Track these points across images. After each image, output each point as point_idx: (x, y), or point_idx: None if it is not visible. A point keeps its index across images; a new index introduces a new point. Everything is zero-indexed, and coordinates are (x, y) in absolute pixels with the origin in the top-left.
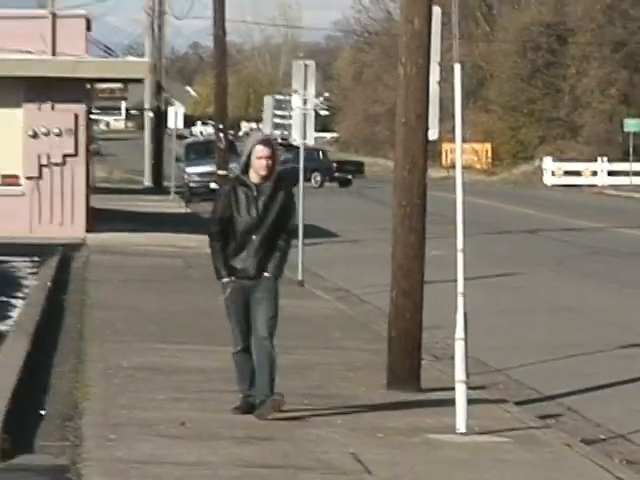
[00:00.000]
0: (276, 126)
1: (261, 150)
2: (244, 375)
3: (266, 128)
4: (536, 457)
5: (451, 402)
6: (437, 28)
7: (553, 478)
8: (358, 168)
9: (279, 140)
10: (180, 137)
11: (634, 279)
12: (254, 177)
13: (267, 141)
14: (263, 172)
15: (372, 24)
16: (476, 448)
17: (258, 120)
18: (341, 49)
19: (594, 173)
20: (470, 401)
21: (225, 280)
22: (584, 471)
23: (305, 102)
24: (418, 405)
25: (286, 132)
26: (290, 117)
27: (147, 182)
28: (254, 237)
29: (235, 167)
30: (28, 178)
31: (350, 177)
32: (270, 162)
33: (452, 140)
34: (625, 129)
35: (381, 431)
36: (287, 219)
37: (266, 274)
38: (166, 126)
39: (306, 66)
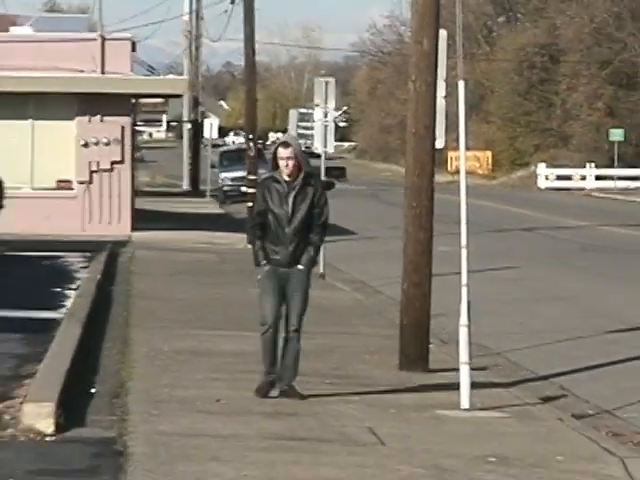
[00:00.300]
0: (300, 136)
1: (281, 152)
2: (269, 355)
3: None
4: (532, 430)
5: (456, 382)
6: (443, 49)
7: (547, 449)
8: (341, 173)
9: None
10: (214, 146)
11: (620, 272)
12: (286, 174)
13: (286, 143)
14: (286, 171)
15: (385, 45)
16: (478, 422)
17: (284, 131)
18: (358, 68)
19: (583, 178)
20: (473, 381)
21: (263, 263)
22: (574, 442)
23: (326, 115)
24: (427, 384)
25: (309, 141)
26: (312, 128)
27: (185, 186)
28: (287, 229)
29: (263, 172)
30: (80, 182)
31: (334, 181)
32: (290, 162)
33: (456, 148)
34: (610, 138)
35: (394, 407)
36: (319, 214)
37: (299, 266)
38: (202, 136)
39: (327, 83)
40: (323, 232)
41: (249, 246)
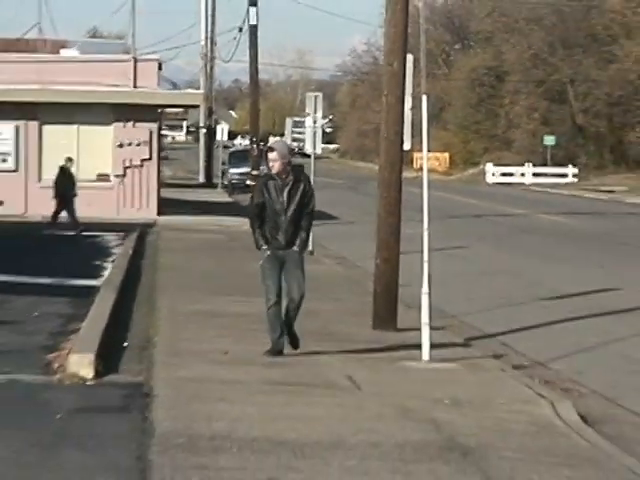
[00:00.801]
0: (294, 140)
1: (269, 155)
2: (275, 326)
3: (287, 139)
4: (479, 378)
5: (419, 339)
6: (410, 69)
7: (491, 393)
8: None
9: (296, 150)
10: (225, 147)
11: (551, 251)
12: (277, 172)
13: (271, 148)
14: (274, 170)
15: (363, 66)
16: (436, 372)
17: (282, 135)
18: (341, 84)
19: (522, 174)
20: (432, 338)
21: (263, 247)
22: (513, 388)
23: (315, 122)
24: (395, 341)
25: (302, 144)
26: (304, 133)
27: (201, 179)
28: (283, 218)
29: (264, 168)
30: (116, 176)
31: None
32: (276, 163)
33: (420, 150)
34: (544, 143)
35: (368, 359)
36: (308, 204)
37: (294, 248)
38: (215, 139)
39: (316, 97)
40: (311, 218)
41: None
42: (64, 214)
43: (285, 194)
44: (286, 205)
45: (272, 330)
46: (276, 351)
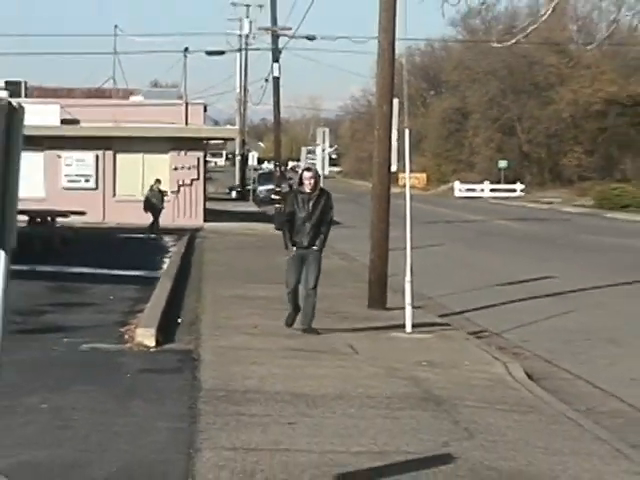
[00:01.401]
0: (309, 163)
1: (305, 174)
2: (292, 303)
3: (301, 164)
4: (449, 346)
5: (403, 316)
6: (395, 110)
7: (459, 357)
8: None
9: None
10: (255, 169)
11: (504, 248)
12: (307, 189)
13: (309, 169)
14: (308, 187)
15: (360, 108)
16: (416, 341)
17: (297, 160)
18: (344, 121)
19: (482, 190)
20: (413, 315)
21: (290, 248)
22: (475, 353)
23: (323, 150)
24: (385, 317)
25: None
26: (315, 159)
27: (233, 195)
28: (307, 224)
29: (284, 186)
30: (172, 192)
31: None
32: (311, 180)
33: (404, 171)
34: (499, 166)
35: (365, 330)
36: (327, 213)
37: (314, 247)
38: (247, 163)
39: (324, 131)
40: (329, 226)
41: (276, 232)
42: (156, 221)
43: (310, 205)
44: (310, 214)
45: (290, 304)
46: (288, 323)
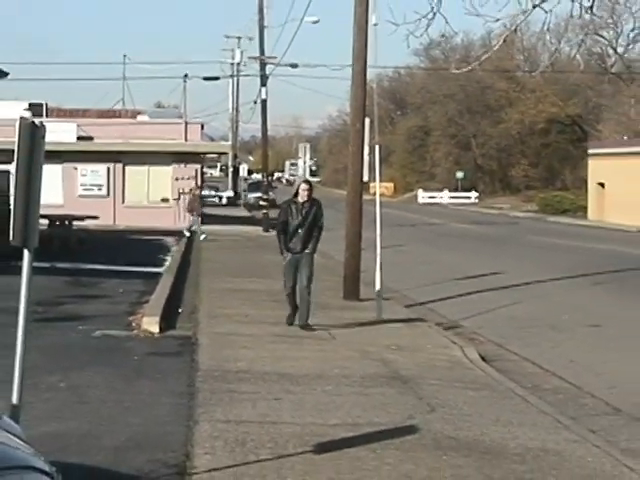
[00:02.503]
0: (291, 175)
1: (303, 186)
2: (291, 303)
3: (286, 175)
4: (414, 332)
5: (374, 305)
6: (367, 128)
7: (422, 342)
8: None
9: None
10: (245, 180)
11: (460, 247)
12: (300, 199)
13: (307, 181)
14: (305, 197)
15: (337, 126)
16: (386, 327)
17: (282, 171)
18: (323, 137)
19: (441, 197)
20: (382, 305)
21: (285, 254)
22: (437, 339)
23: (305, 163)
24: (358, 307)
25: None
26: (297, 170)
27: (224, 201)
28: (300, 231)
29: (271, 194)
30: (174, 199)
31: None
32: (307, 192)
33: (374, 181)
34: (456, 177)
35: (341, 319)
36: (318, 221)
37: (307, 251)
38: (238, 174)
39: (305, 146)
40: (320, 231)
41: (264, 233)
42: (198, 223)
43: (303, 214)
44: (303, 222)
45: (289, 305)
46: (289, 322)
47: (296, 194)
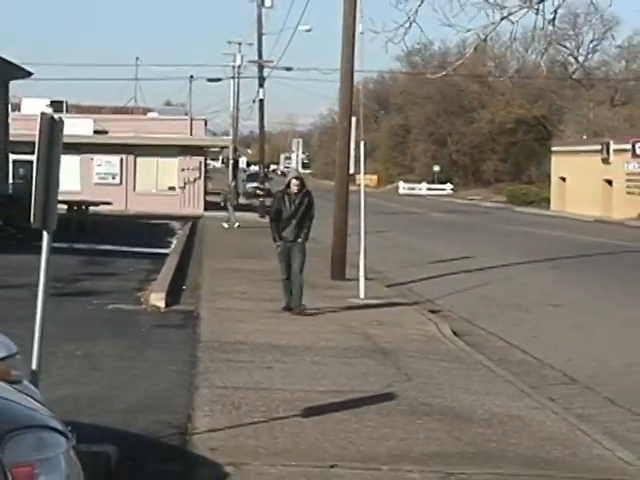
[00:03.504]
0: (285, 167)
1: (294, 180)
2: (287, 291)
3: (280, 167)
4: (395, 310)
5: (358, 285)
6: (354, 126)
7: (401, 318)
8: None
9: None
10: (244, 171)
11: (437, 234)
12: (292, 190)
13: (298, 176)
14: (295, 189)
15: (327, 123)
16: (368, 305)
17: (277, 163)
18: (314, 134)
19: (420, 189)
20: (366, 285)
21: (277, 242)
22: (414, 315)
23: (297, 156)
24: (344, 286)
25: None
26: (291, 163)
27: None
28: (293, 221)
29: (267, 184)
30: (180, 187)
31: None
32: (297, 186)
33: (359, 173)
34: (433, 170)
35: (328, 297)
36: (309, 211)
37: (299, 240)
38: (238, 166)
39: (298, 141)
40: (311, 220)
41: (260, 219)
42: (233, 213)
43: (296, 204)
44: (295, 212)
45: (285, 294)
46: (287, 307)
47: (289, 184)
